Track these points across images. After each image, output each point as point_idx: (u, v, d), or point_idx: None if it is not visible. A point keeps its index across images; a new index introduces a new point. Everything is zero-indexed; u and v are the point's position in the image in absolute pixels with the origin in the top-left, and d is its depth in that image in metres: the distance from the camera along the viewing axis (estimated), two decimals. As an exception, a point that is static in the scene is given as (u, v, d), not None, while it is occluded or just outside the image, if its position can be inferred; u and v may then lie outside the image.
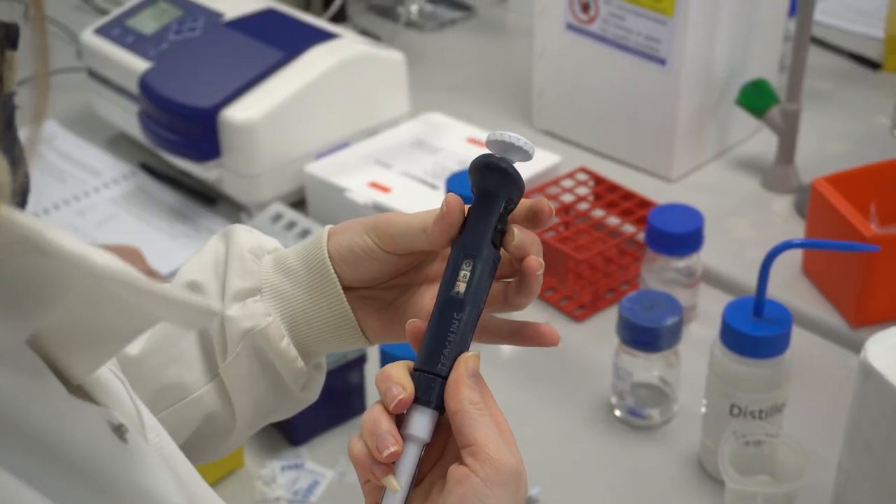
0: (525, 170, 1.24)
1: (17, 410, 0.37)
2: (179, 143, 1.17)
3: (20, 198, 0.39)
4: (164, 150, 1.21)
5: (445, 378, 0.51)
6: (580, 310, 1.06)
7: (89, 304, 0.38)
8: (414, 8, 1.61)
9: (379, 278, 0.59)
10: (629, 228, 1.10)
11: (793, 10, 1.25)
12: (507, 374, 1.01)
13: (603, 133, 1.27)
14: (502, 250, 0.54)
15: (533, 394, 0.99)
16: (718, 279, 1.10)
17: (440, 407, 0.51)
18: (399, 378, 0.51)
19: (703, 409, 0.88)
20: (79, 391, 0.42)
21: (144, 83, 1.19)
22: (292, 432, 0.93)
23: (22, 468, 0.35)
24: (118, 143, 1.35)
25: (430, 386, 0.51)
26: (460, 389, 0.50)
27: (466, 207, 0.55)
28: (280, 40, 1.21)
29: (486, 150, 0.55)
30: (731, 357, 0.83)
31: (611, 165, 1.26)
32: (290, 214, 1.13)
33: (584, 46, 1.23)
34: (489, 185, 0.53)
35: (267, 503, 0.88)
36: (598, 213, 1.13)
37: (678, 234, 0.99)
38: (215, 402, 0.62)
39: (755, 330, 0.81)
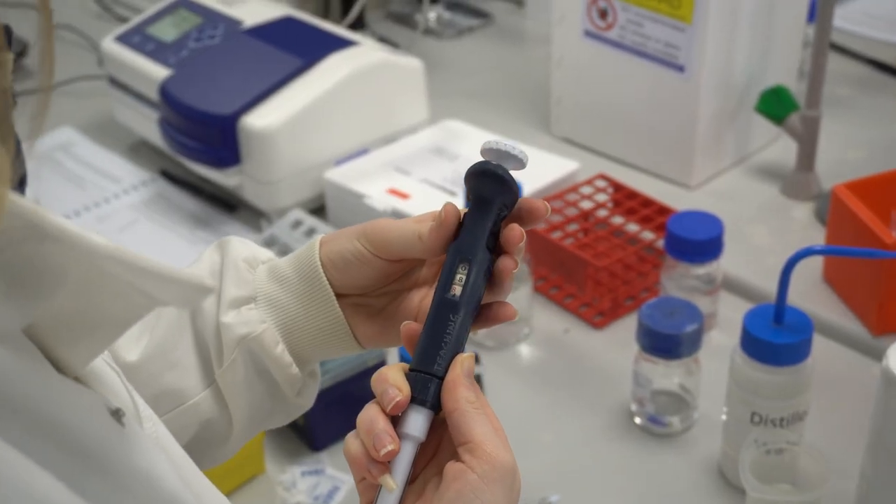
0: (544, 176, 1.24)
1: (17, 388, 0.37)
2: (199, 149, 1.18)
3: (18, 187, 0.40)
4: (184, 157, 1.21)
5: (441, 378, 0.52)
6: (599, 317, 1.06)
7: (86, 292, 0.39)
8: (432, 15, 1.62)
9: (370, 285, 0.61)
10: (648, 235, 1.10)
11: (812, 17, 1.24)
12: (526, 381, 1.01)
13: (621, 140, 1.27)
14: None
15: (552, 400, 0.99)
16: (738, 286, 1.09)
17: (435, 406, 0.52)
18: (395, 380, 0.52)
19: (724, 417, 0.88)
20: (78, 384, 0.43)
21: (164, 90, 1.20)
22: (313, 438, 0.93)
23: (23, 444, 0.36)
24: (138, 150, 1.35)
25: (427, 386, 0.52)
26: (458, 389, 0.52)
27: (462, 213, 0.56)
28: (299, 47, 1.21)
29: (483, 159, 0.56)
30: (751, 364, 0.83)
31: (630, 172, 1.26)
32: (310, 221, 1.13)
33: (602, 53, 1.23)
34: (485, 191, 0.55)
35: (287, 509, 0.88)
36: (618, 219, 1.13)
37: (698, 241, 0.99)
38: (212, 408, 0.63)
39: (775, 337, 0.81)
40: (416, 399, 0.52)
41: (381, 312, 0.62)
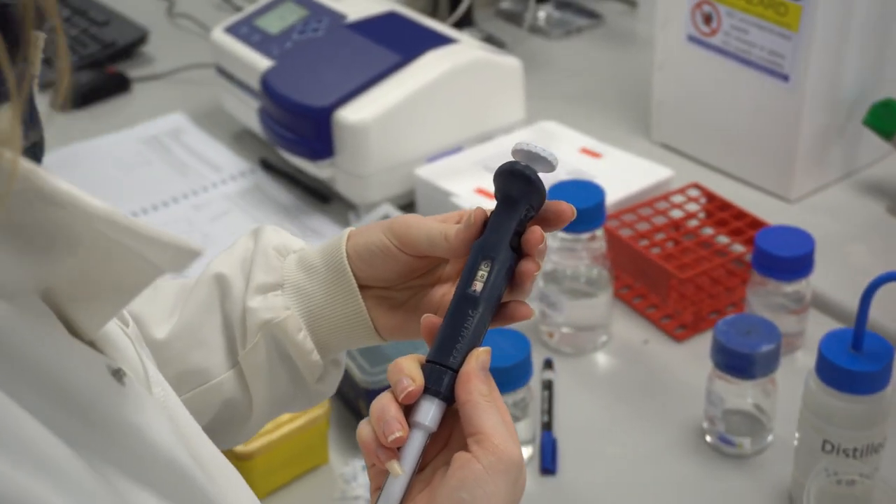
0: (635, 182, 1.21)
1: (16, 341, 0.39)
2: (295, 141, 1.20)
3: (34, 156, 0.41)
4: (281, 148, 1.24)
5: (456, 371, 0.53)
6: (681, 329, 1.04)
7: (98, 258, 0.41)
8: (541, 14, 1.61)
9: (394, 279, 0.62)
10: (738, 248, 1.07)
11: (933, 28, 1.18)
12: (599, 390, 0.99)
13: (722, 149, 1.24)
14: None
15: (623, 412, 0.97)
16: (832, 307, 1.05)
17: (448, 398, 0.53)
18: (410, 370, 0.53)
19: (796, 443, 0.84)
20: (91, 346, 0.45)
21: (265, 81, 1.22)
22: (378, 433, 0.93)
23: (17, 394, 0.38)
24: (242, 139, 1.38)
25: (441, 377, 0.53)
26: (471, 381, 0.52)
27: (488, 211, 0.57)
28: (398, 43, 1.22)
29: (535, 162, 0.56)
30: (825, 390, 0.79)
31: (729, 183, 1.22)
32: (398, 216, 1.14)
33: (706, 59, 1.19)
34: (512, 191, 0.55)
35: (346, 501, 0.89)
36: (708, 231, 1.10)
37: (786, 257, 0.96)
38: (234, 388, 0.65)
39: (852, 364, 0.78)
40: (429, 390, 0.53)
41: (403, 306, 0.63)
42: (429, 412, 0.52)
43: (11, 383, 0.38)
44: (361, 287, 0.62)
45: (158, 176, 1.31)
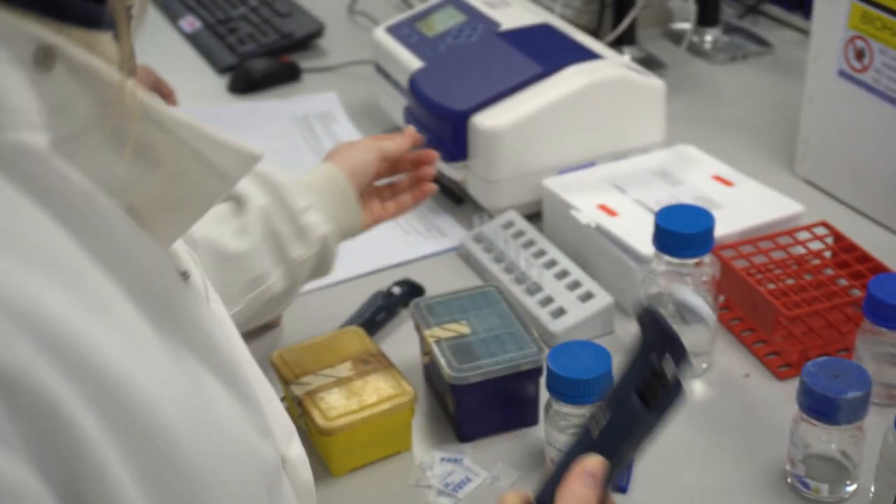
0: (760, 214, 1.19)
1: (120, 229, 0.46)
2: (432, 141, 1.23)
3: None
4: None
5: None
6: (785, 367, 1.01)
7: (175, 176, 0.48)
8: (708, 38, 1.59)
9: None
10: (857, 293, 1.03)
11: None
12: (690, 417, 0.98)
13: (865, 189, 1.20)
14: None
15: (710, 442, 0.95)
16: (956, 365, 1.00)
17: None
18: None
19: (871, 495, 0.82)
20: None
21: (413, 81, 1.27)
22: (461, 428, 0.96)
23: (117, 276, 0.45)
24: (392, 135, 1.44)
25: None
26: None
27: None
28: (542, 55, 1.24)
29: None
30: (901, 445, 0.76)
31: (868, 225, 1.18)
32: (521, 224, 1.16)
33: (855, 96, 1.16)
34: (648, 338, 0.55)
35: (419, 488, 0.92)
36: (829, 271, 1.07)
37: (898, 306, 0.92)
38: (279, 286, 0.91)
39: (930, 421, 0.75)
40: None
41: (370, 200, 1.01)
42: None
43: (103, 257, 0.45)
44: None
45: (301, 157, 1.38)
